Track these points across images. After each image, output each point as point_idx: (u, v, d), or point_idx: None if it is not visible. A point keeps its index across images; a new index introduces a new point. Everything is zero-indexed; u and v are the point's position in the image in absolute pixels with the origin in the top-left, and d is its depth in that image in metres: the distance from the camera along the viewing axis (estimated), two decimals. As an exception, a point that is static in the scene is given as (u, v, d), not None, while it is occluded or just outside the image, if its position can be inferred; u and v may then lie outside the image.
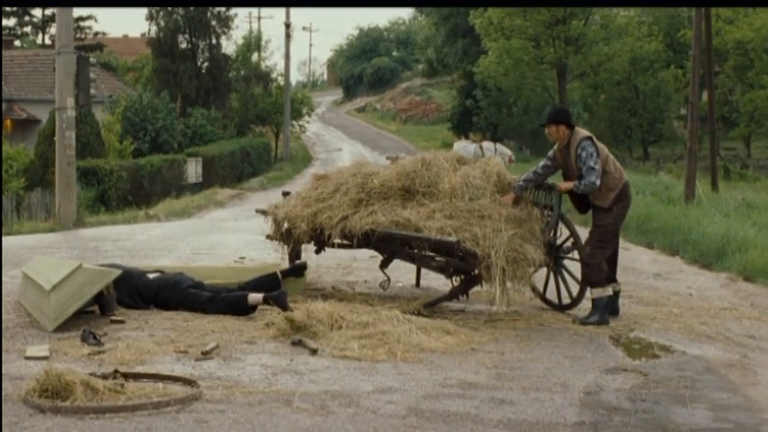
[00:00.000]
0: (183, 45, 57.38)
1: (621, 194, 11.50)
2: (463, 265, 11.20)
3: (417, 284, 13.52)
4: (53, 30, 49.97)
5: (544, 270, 12.09)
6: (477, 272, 11.22)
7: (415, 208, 11.64)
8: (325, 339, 9.56)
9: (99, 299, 10.40)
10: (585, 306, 11.92)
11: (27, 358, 8.60)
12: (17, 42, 70.55)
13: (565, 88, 54.26)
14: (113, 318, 10.27)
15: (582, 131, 11.62)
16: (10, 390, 7.52)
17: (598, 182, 11.24)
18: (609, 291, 11.47)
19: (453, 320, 10.84)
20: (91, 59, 31.65)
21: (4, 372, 8.08)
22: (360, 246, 12.04)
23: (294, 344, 9.38)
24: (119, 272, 10.53)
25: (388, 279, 12.58)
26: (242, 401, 7.43)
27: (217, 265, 14.69)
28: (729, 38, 55.60)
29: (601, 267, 11.42)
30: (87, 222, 25.44)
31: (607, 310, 11.38)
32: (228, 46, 62.06)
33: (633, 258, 18.42)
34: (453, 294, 11.59)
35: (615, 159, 11.74)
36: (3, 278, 13.00)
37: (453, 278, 11.63)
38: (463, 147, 43.58)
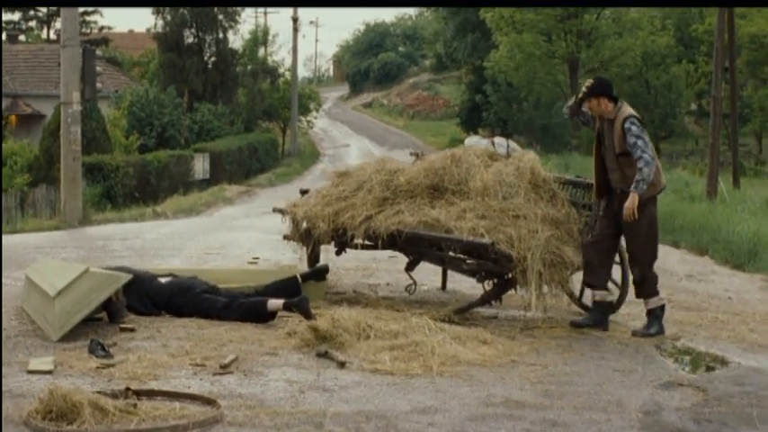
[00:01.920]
0: (190, 39, 56.67)
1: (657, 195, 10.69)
2: (496, 268, 10.45)
3: (443, 288, 12.79)
4: (58, 24, 49.24)
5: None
6: (511, 275, 10.47)
7: (445, 207, 10.90)
8: (352, 350, 8.83)
9: (107, 305, 9.64)
10: (623, 312, 11.24)
11: (29, 372, 7.85)
12: (22, 37, 69.93)
13: (577, 83, 53.49)
14: (123, 325, 9.53)
15: (629, 108, 10.60)
16: (11, 410, 6.81)
17: (653, 155, 10.28)
18: (663, 300, 10.72)
19: (488, 328, 10.09)
20: (97, 52, 30.94)
21: (5, 388, 7.36)
22: (384, 247, 11.32)
23: (320, 356, 8.64)
24: (129, 276, 9.77)
25: (415, 283, 11.82)
26: (268, 424, 6.69)
27: (231, 266, 13.98)
28: (744, 32, 54.76)
29: (654, 276, 10.62)
30: (93, 220, 24.74)
31: (661, 318, 10.55)
32: (235, 40, 61.51)
33: (661, 258, 17.41)
34: (486, 299, 10.83)
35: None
36: (3, 281, 12.33)
37: (485, 282, 10.88)
38: (475, 142, 42.84)
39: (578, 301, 11.44)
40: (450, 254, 10.90)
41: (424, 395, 7.57)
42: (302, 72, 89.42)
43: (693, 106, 67.41)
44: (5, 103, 46.33)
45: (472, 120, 67.90)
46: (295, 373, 8.11)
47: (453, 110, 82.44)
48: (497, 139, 45.77)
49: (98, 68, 28.05)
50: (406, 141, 70.27)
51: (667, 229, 21.11)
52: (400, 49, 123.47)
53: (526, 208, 10.61)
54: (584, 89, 10.66)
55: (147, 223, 24.59)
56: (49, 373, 7.83)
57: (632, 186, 10.16)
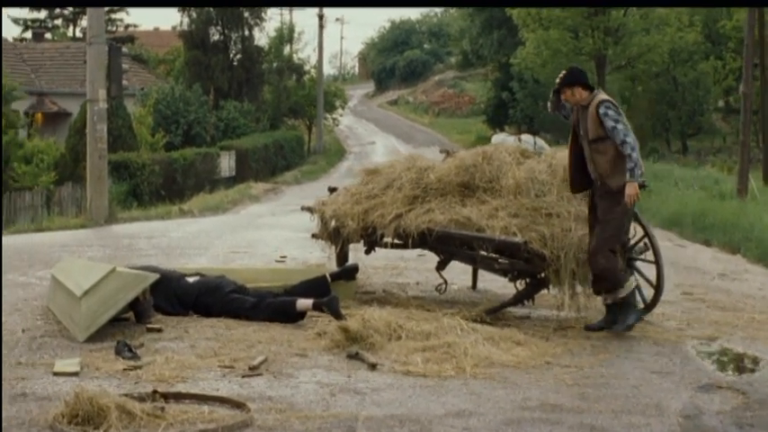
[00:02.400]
0: (216, 37, 56.46)
1: None
2: (529, 267, 10.27)
3: (474, 287, 12.60)
4: (84, 22, 49.16)
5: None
6: (543, 275, 10.28)
7: (476, 205, 10.72)
8: (383, 352, 8.65)
9: (134, 305, 9.50)
10: (658, 311, 11.04)
11: (55, 374, 7.70)
12: (48, 35, 70.02)
13: (604, 80, 53.17)
14: (150, 326, 9.38)
15: (604, 94, 10.22)
16: (35, 413, 6.66)
17: (633, 136, 9.87)
18: (633, 283, 10.21)
19: (521, 329, 9.89)
20: (123, 50, 30.84)
21: (30, 391, 7.23)
22: (415, 246, 11.14)
23: (350, 357, 8.46)
24: (156, 276, 9.61)
25: (445, 282, 11.63)
26: (299, 429, 6.52)
27: (258, 265, 13.82)
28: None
29: (614, 262, 9.98)
30: (119, 218, 24.63)
31: (635, 302, 10.17)
32: (261, 38, 61.23)
33: (693, 257, 17.47)
34: (518, 299, 10.63)
35: None
36: (29, 280, 12.25)
37: (517, 281, 10.69)
38: (502, 140, 42.47)
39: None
40: (482, 253, 10.72)
41: (458, 398, 7.39)
42: (327, 69, 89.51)
43: (721, 103, 66.83)
44: (31, 101, 46.40)
45: (498, 117, 67.58)
46: (325, 374, 7.94)
47: (479, 107, 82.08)
48: (524, 137, 45.07)
49: (124, 66, 27.89)
50: (431, 139, 70.03)
51: (698, 227, 20.94)
52: (426, 46, 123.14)
53: (559, 206, 10.42)
54: (557, 80, 10.40)
55: (173, 221, 24.48)
56: (75, 374, 7.68)
57: (627, 176, 9.76)
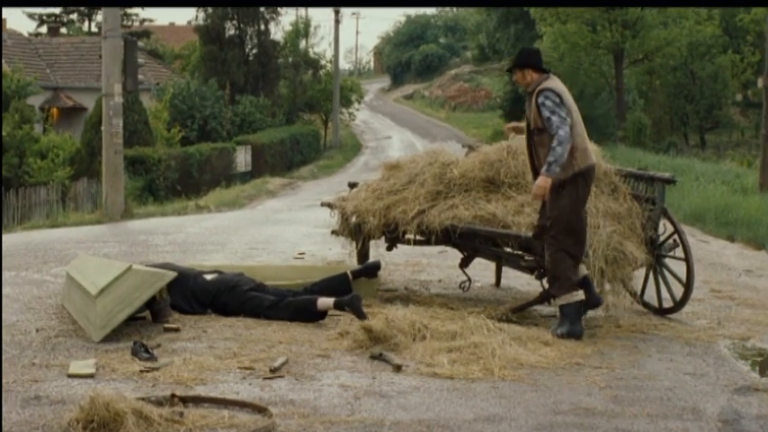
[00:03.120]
0: (231, 32, 56.31)
1: (579, 176, 9.46)
2: (556, 265, 9.96)
3: (497, 284, 12.33)
4: (99, 17, 48.87)
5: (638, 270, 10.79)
6: (570, 272, 9.98)
7: (501, 201, 10.45)
8: (408, 352, 8.37)
9: (151, 304, 9.24)
10: (687, 310, 10.78)
11: (70, 376, 7.44)
12: (63, 30, 69.91)
13: (622, 73, 52.91)
14: (167, 325, 9.12)
15: (552, 81, 9.63)
16: (50, 417, 6.39)
17: (569, 129, 9.26)
18: (579, 296, 9.47)
19: (547, 328, 9.61)
20: (138, 44, 30.61)
21: (43, 394, 6.96)
22: (438, 243, 10.90)
23: (374, 358, 8.19)
24: (173, 274, 9.32)
25: (469, 279, 11.37)
26: (323, 434, 6.27)
27: (275, 262, 13.59)
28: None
29: (567, 263, 9.47)
30: (135, 214, 24.42)
31: (579, 317, 9.50)
32: (277, 32, 60.97)
33: (717, 253, 17.18)
34: (545, 297, 10.31)
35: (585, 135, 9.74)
36: (43, 277, 12.03)
37: (544, 279, 10.40)
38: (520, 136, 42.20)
39: (640, 298, 10.95)
40: (508, 250, 10.45)
41: (487, 402, 7.10)
42: (343, 64, 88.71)
43: (739, 97, 66.36)
44: (47, 96, 46.28)
45: (515, 111, 67.07)
46: (349, 376, 7.66)
47: (495, 101, 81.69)
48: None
49: (140, 60, 27.69)
50: (448, 133, 69.74)
51: (721, 222, 20.68)
52: (441, 40, 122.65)
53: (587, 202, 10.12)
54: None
55: (189, 217, 24.27)
56: (91, 376, 7.42)
57: (543, 168, 9.30)
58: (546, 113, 9.34)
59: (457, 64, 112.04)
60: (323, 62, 66.95)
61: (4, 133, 33.60)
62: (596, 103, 56.50)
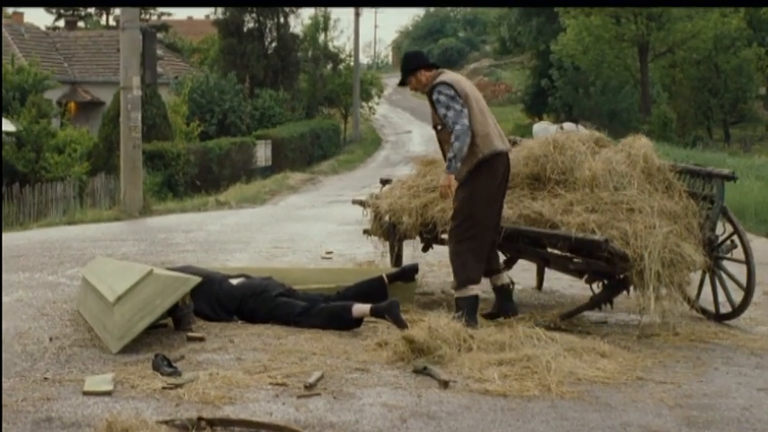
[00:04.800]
0: (251, 25, 55.62)
1: (483, 165, 9.10)
2: (608, 268, 9.21)
3: (539, 287, 11.62)
4: (117, 11, 48.07)
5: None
6: (623, 276, 9.25)
7: (548, 199, 9.71)
8: (454, 365, 7.64)
9: (174, 311, 8.54)
10: (746, 316, 10.05)
11: (85, 394, 6.75)
12: (81, 23, 69.40)
13: (647, 66, 52.13)
14: (190, 334, 8.44)
15: (445, 75, 9.30)
16: (63, 443, 5.72)
17: (468, 122, 8.95)
18: (474, 291, 9.17)
19: (600, 336, 8.90)
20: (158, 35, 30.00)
21: (56, 415, 6.29)
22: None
23: (418, 372, 7.47)
24: (197, 279, 8.58)
25: (512, 283, 10.65)
26: (369, 466, 5.56)
27: (302, 262, 12.92)
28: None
29: (468, 260, 9.13)
30: (154, 210, 23.76)
31: (474, 312, 9.14)
32: (296, 25, 60.33)
33: (763, 251, 16.36)
34: (596, 303, 9.59)
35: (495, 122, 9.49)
36: (58, 280, 11.37)
37: (594, 283, 9.68)
38: (543, 128, 41.38)
39: (696, 303, 10.21)
40: (554, 252, 9.73)
41: (548, 424, 6.38)
42: (361, 58, 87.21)
43: (763, 90, 65.45)
44: (64, 90, 45.81)
45: (537, 105, 66.46)
46: (392, 394, 6.93)
47: (515, 95, 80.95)
48: (567, 125, 44.31)
49: (158, 53, 27.06)
50: (469, 128, 68.79)
51: (761, 218, 19.89)
52: (460, 34, 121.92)
53: (641, 200, 9.41)
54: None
55: (210, 213, 23.60)
56: (108, 394, 6.73)
57: (446, 165, 9.02)
58: (441, 110, 9.09)
59: (476, 58, 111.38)
60: (342, 56, 66.26)
61: (21, 127, 33.07)
62: (620, 97, 55.75)
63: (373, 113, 73.56)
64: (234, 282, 9.33)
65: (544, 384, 7.17)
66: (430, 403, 6.75)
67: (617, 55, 53.45)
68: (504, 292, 9.83)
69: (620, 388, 7.31)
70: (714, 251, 9.82)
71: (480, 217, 9.11)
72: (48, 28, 64.73)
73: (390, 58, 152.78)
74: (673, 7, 50.95)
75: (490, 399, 6.89)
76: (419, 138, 63.87)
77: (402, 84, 9.67)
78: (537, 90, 65.87)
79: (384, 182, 11.78)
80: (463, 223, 9.11)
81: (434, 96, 9.11)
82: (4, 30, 47.49)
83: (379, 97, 74.05)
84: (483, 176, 9.09)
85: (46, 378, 7.14)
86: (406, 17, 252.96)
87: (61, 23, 70.23)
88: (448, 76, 9.27)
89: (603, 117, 60.09)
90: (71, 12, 73.21)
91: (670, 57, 56.82)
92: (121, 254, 14.00)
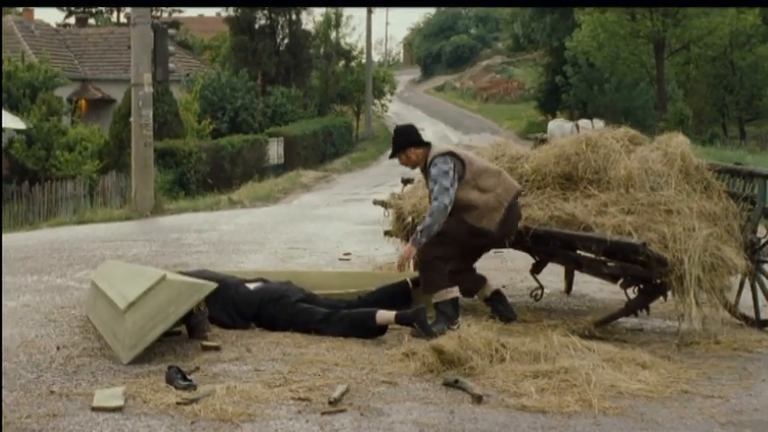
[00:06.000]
0: (262, 21, 55.12)
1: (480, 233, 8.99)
2: (645, 272, 8.73)
3: (568, 291, 11.15)
4: (128, 8, 47.66)
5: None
6: (660, 280, 8.77)
7: (581, 200, 9.26)
8: (486, 378, 7.15)
9: (188, 318, 8.08)
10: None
11: (94, 409, 6.29)
12: (91, 20, 69.05)
13: (663, 63, 51.57)
14: (205, 343, 7.99)
15: (438, 148, 9.14)
16: (69, 466, 5.26)
17: (447, 202, 8.70)
18: (453, 293, 8.88)
19: (638, 345, 8.42)
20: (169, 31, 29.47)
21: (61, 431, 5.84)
22: (508, 246, 9.66)
23: (448, 385, 6.99)
24: (213, 285, 8.10)
25: (541, 287, 10.19)
26: (404, 493, 5.09)
27: (320, 264, 12.47)
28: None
29: (438, 266, 8.84)
30: (166, 209, 23.35)
31: (455, 314, 8.83)
32: (308, 22, 59.82)
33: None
34: (632, 309, 9.12)
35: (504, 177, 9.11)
36: (67, 282, 10.94)
37: (630, 288, 9.20)
38: (558, 126, 40.84)
39: (736, 309, 9.71)
40: (587, 255, 9.25)
41: (592, 444, 5.92)
42: (373, 55, 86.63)
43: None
44: (75, 87, 45.47)
45: (550, 102, 65.94)
46: (422, 410, 6.45)
47: (528, 93, 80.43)
48: (582, 122, 43.78)
49: (170, 49, 26.58)
50: (481, 125, 68.57)
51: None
52: (472, 31, 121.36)
53: (679, 201, 8.95)
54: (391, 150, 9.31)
55: (222, 212, 23.17)
56: (118, 410, 6.27)
57: (411, 237, 8.96)
58: (431, 184, 8.94)
59: (488, 55, 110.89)
60: (354, 53, 65.75)
61: (30, 125, 32.70)
62: (635, 94, 55.23)
63: (386, 111, 73.05)
64: (251, 286, 8.88)
65: (585, 399, 6.69)
66: (464, 420, 6.27)
67: (632, 51, 52.89)
68: (498, 299, 9.48)
69: (666, 402, 6.82)
70: (756, 254, 9.35)
71: (453, 249, 8.95)
72: (58, 25, 64.37)
73: (402, 55, 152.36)
74: (685, 7, 50.41)
75: (528, 415, 6.41)
76: (432, 135, 63.25)
77: (393, 157, 9.37)
78: (550, 87, 65.32)
79: (405, 181, 11.35)
80: (445, 240, 8.84)
81: (430, 170, 8.93)
82: (14, 27, 47.17)
83: (392, 94, 73.51)
84: (475, 236, 8.95)
85: (52, 391, 6.69)
86: (418, 14, 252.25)
87: (72, 20, 69.89)
88: (441, 148, 9.17)
89: (618, 114, 59.47)
90: (82, 9, 72.85)
91: (685, 53, 56.28)
92: (132, 255, 13.58)
